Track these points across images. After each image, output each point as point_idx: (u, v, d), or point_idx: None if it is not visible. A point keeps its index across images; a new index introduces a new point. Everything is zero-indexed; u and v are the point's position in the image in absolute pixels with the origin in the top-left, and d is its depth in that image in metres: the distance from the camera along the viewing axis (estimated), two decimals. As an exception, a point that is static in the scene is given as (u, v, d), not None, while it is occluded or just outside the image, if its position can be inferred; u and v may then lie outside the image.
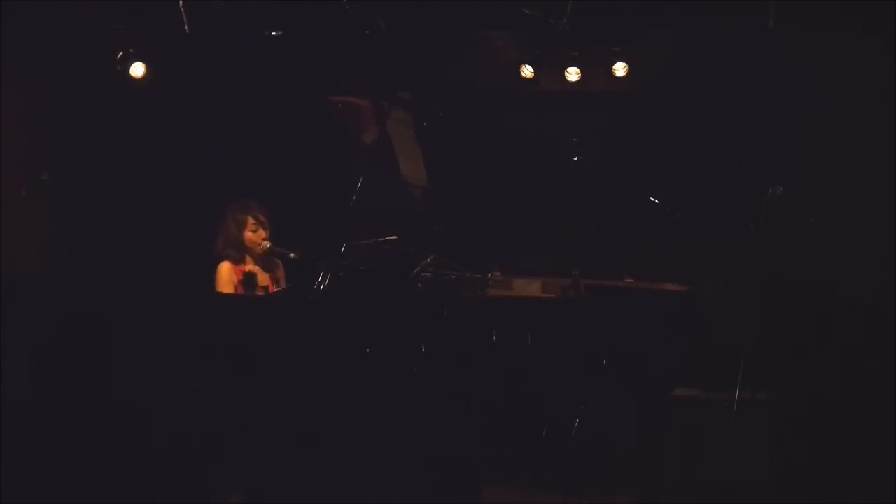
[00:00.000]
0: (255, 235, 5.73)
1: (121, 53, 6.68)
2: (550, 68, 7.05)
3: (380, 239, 5.43)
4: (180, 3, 6.38)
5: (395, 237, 5.44)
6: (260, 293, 5.72)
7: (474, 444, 5.41)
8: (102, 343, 6.72)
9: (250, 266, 5.76)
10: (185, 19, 6.41)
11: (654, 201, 5.13)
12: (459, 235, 5.59)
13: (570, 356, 4.93)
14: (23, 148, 6.48)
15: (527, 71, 7.07)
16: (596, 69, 7.00)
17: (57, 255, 6.78)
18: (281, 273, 5.89)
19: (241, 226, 5.74)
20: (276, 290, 5.76)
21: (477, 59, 7.18)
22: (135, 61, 6.69)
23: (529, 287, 5.87)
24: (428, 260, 5.29)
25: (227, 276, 5.66)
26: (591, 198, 5.26)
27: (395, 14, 6.79)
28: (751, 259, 5.39)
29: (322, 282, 5.04)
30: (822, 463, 5.94)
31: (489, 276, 5.36)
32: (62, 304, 6.67)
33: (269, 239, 5.75)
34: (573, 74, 7.00)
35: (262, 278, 5.77)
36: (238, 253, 5.74)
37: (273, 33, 6.86)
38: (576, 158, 5.65)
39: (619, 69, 6.97)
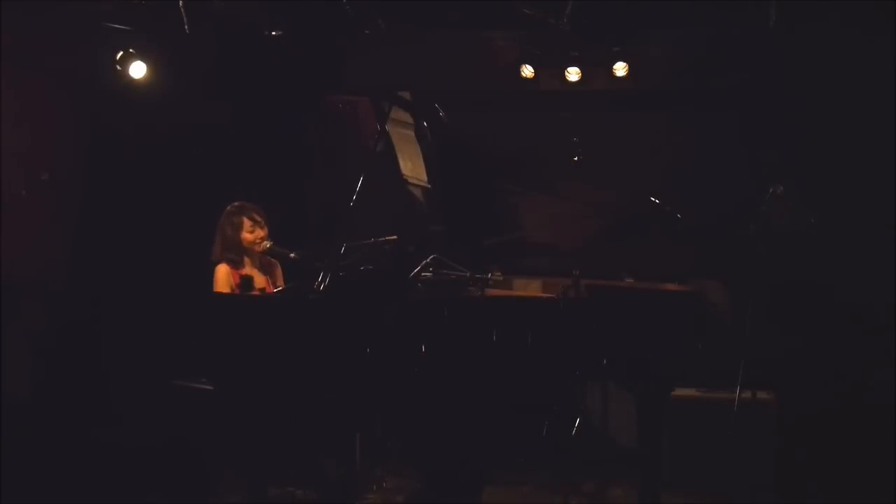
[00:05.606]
0: (252, 235, 5.72)
1: (121, 53, 6.68)
2: (550, 68, 7.07)
3: (380, 239, 5.42)
4: (180, 3, 6.38)
5: (395, 237, 5.43)
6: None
7: (474, 443, 5.41)
8: (102, 343, 6.73)
9: (248, 269, 5.75)
10: (185, 19, 6.41)
11: (654, 201, 5.11)
12: (459, 235, 5.58)
13: (570, 356, 4.92)
14: (23, 148, 6.48)
15: (527, 71, 7.08)
16: (596, 69, 7.02)
17: (57, 255, 6.78)
18: (279, 275, 5.88)
19: (238, 227, 5.72)
20: (273, 291, 5.75)
21: (477, 59, 7.19)
22: (135, 61, 6.70)
23: (529, 287, 5.85)
24: (428, 260, 5.28)
25: (224, 279, 5.65)
26: (591, 198, 5.24)
27: (395, 14, 6.79)
28: (751, 259, 5.39)
29: (322, 282, 5.04)
30: (823, 463, 5.95)
31: (489, 276, 5.34)
32: (62, 304, 6.67)
33: (268, 238, 5.74)
34: (573, 74, 7.02)
35: (259, 281, 5.76)
36: (237, 255, 5.72)
37: (273, 33, 6.85)
38: (576, 158, 5.64)
39: (619, 69, 6.98)
